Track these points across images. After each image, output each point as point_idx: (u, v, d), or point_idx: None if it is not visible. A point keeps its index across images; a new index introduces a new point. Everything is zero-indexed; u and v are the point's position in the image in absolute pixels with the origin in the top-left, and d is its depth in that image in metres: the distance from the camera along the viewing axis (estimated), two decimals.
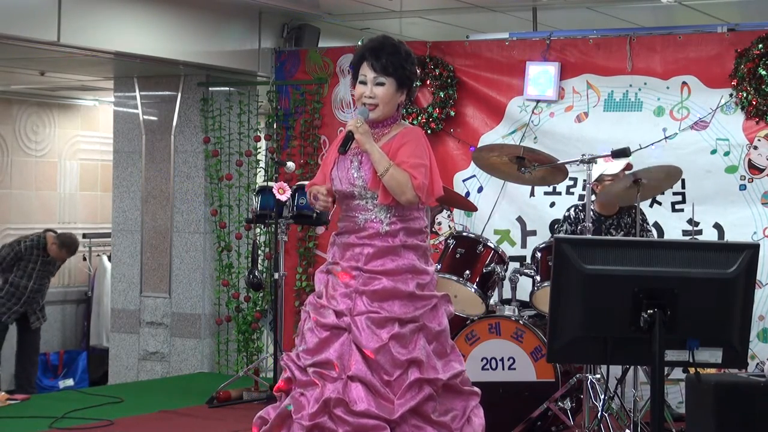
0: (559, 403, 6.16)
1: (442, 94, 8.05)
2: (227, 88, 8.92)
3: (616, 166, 6.74)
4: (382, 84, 4.56)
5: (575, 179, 7.60)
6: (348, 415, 4.33)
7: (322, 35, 9.03)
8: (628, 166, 6.89)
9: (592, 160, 6.21)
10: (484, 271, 6.62)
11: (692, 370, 3.57)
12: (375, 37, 4.74)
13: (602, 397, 5.89)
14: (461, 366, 4.61)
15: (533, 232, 7.86)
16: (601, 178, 6.75)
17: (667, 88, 7.50)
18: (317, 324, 4.50)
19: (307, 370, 4.45)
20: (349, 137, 4.51)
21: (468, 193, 7.97)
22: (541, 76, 7.81)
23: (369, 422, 4.32)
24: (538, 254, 6.58)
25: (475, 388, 4.67)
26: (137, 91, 9.17)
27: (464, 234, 6.90)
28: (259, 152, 8.95)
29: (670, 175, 6.68)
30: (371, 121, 4.58)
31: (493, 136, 7.95)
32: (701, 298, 3.44)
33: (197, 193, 8.88)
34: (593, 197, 6.65)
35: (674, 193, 7.42)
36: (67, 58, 8.33)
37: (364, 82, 4.58)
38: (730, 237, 7.25)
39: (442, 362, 4.54)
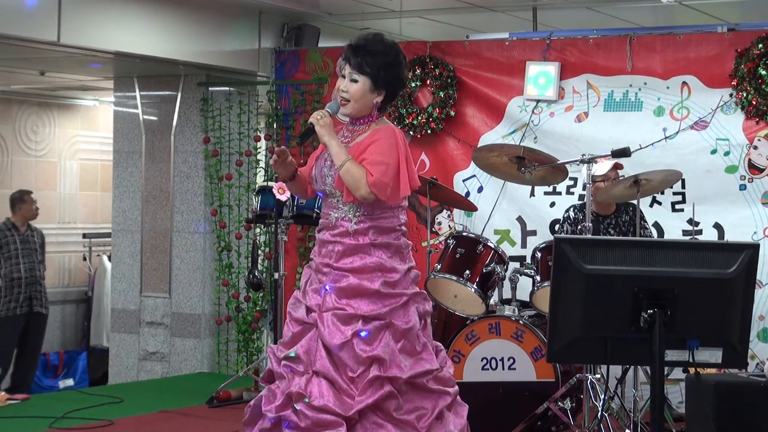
0: (559, 403, 6.16)
1: (442, 94, 8.05)
2: (227, 88, 8.91)
3: (604, 166, 6.74)
4: (355, 81, 4.57)
5: (575, 179, 7.60)
6: (308, 409, 4.39)
7: (322, 35, 9.02)
8: (618, 166, 6.89)
9: (592, 160, 6.21)
10: (484, 271, 6.62)
11: (692, 370, 3.57)
12: (366, 33, 4.73)
13: (602, 397, 5.89)
14: (432, 365, 4.57)
15: (533, 232, 7.86)
16: (592, 179, 6.75)
17: (667, 88, 7.50)
18: (291, 318, 4.60)
19: (281, 362, 4.54)
20: (310, 129, 4.54)
21: (468, 193, 7.96)
22: (541, 76, 7.82)
23: (326, 417, 4.36)
24: (538, 254, 6.58)
25: (448, 388, 4.60)
26: (137, 91, 9.16)
27: (464, 234, 6.90)
28: (259, 152, 8.95)
29: (669, 177, 6.69)
30: (351, 117, 4.62)
31: (493, 136, 7.95)
32: (701, 298, 3.44)
33: (197, 193, 8.88)
34: (591, 197, 6.65)
35: (674, 193, 7.42)
36: (67, 58, 8.33)
37: (343, 76, 4.62)
38: (730, 237, 7.24)
39: (412, 360, 4.52)
